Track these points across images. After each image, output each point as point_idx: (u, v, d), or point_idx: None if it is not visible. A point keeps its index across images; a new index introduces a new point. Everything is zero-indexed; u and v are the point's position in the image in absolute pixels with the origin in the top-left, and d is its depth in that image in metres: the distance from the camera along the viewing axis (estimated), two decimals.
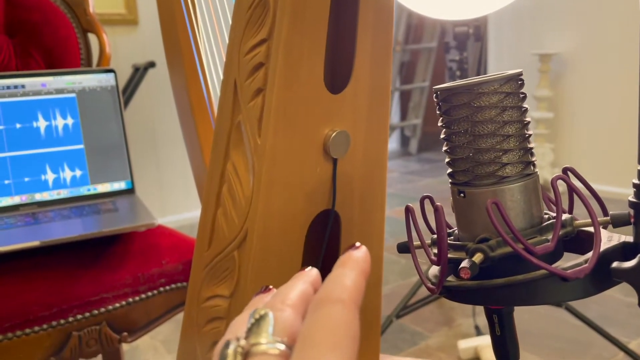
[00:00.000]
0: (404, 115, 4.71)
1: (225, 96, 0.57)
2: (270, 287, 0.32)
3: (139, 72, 2.38)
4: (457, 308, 1.85)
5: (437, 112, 0.44)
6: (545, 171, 3.05)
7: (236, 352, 0.24)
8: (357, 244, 0.30)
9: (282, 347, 0.24)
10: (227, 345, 0.24)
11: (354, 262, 0.28)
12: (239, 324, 0.28)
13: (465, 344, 1.58)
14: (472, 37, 1.58)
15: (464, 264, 0.39)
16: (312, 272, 0.31)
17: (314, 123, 0.55)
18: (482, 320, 1.73)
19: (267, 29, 0.52)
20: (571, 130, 3.16)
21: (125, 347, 1.64)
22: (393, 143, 4.69)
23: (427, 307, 1.81)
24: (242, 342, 0.24)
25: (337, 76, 0.58)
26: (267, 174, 0.55)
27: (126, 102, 2.46)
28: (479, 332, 1.67)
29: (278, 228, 0.57)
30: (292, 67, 0.52)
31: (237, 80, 0.55)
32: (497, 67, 3.47)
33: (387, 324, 1.63)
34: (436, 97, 0.44)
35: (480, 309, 1.68)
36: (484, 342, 1.56)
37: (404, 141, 4.74)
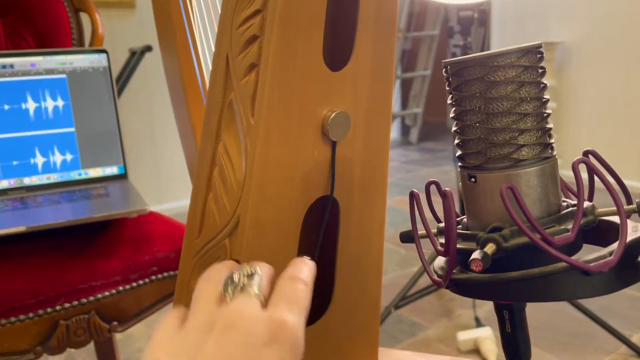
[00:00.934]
0: (404, 104, 4.66)
1: (216, 72, 0.53)
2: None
3: (136, 56, 2.33)
4: (456, 299, 1.82)
5: (447, 88, 0.40)
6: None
7: (240, 278, 0.34)
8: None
9: (262, 298, 0.33)
10: (231, 276, 0.34)
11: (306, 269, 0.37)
12: (220, 271, 0.37)
13: (465, 336, 1.55)
14: (476, 21, 1.53)
15: (476, 255, 0.35)
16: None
17: (311, 102, 0.52)
18: (482, 312, 1.70)
19: None
20: (575, 120, 3.11)
21: (119, 335, 1.61)
22: (394, 132, 4.65)
23: (426, 298, 1.78)
24: (243, 276, 0.34)
25: (337, 52, 0.54)
26: (261, 157, 0.51)
27: (123, 86, 2.42)
28: (478, 323, 1.64)
29: (272, 215, 0.53)
30: (288, 40, 0.48)
31: (230, 54, 0.51)
32: None
33: (385, 315, 1.60)
34: (446, 72, 0.40)
35: (480, 301, 1.65)
36: (484, 334, 1.53)
37: (405, 130, 4.70)
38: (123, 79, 2.40)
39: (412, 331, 1.66)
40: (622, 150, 2.87)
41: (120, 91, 2.41)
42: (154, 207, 1.00)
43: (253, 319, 0.30)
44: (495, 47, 3.45)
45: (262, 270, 0.35)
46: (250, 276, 0.33)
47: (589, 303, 1.58)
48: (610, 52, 2.92)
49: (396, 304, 1.61)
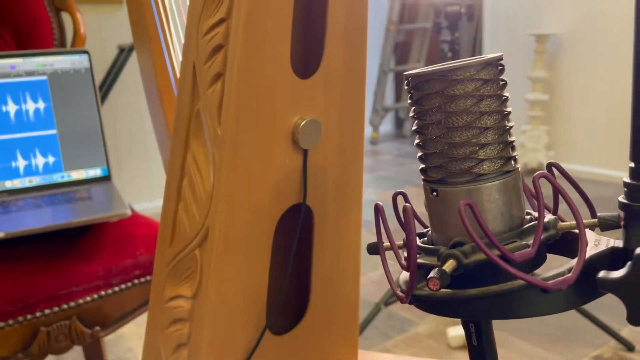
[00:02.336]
0: (398, 97, 4.64)
1: (184, 81, 0.52)
2: None
3: (124, 53, 2.31)
4: None
5: (409, 101, 0.39)
6: (541, 154, 3.00)
7: None
8: None
9: None
10: None
11: None
12: None
13: (455, 332, 1.55)
14: (464, 16, 1.52)
15: (433, 273, 0.34)
16: None
17: (280, 111, 0.51)
18: None
19: (226, 6, 0.47)
20: (567, 112, 3.11)
21: (109, 335, 1.60)
22: (387, 125, 4.63)
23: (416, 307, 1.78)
24: None
25: (306, 59, 0.53)
26: (229, 167, 0.50)
27: (112, 83, 2.40)
28: None
29: (242, 225, 0.53)
30: (254, 48, 0.47)
31: (196, 63, 0.51)
32: (492, 48, 3.40)
33: (375, 311, 1.60)
34: (407, 85, 0.39)
35: None
36: None
37: (398, 123, 4.69)
38: (112, 75, 2.38)
39: (402, 327, 1.66)
40: (614, 142, 2.87)
41: (109, 88, 2.40)
42: (144, 205, 1.00)
43: None
44: (487, 41, 3.43)
45: None
46: None
47: None
48: (602, 43, 2.91)
49: (386, 301, 1.60)
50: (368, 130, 4.25)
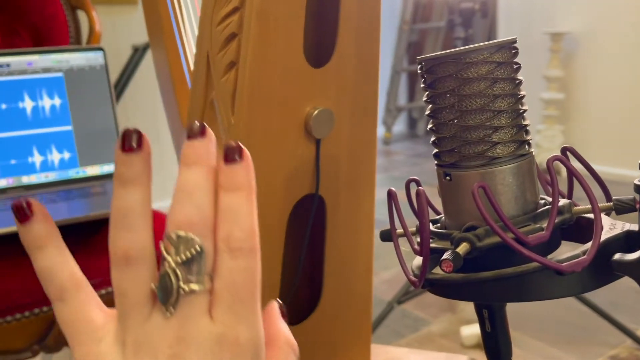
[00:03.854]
0: (411, 97, 4.63)
1: (198, 71, 0.52)
2: (205, 127, 0.27)
3: (138, 53, 2.33)
4: None
5: (422, 85, 0.39)
6: (555, 154, 2.97)
7: (180, 273, 0.25)
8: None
9: (209, 285, 0.25)
10: (166, 276, 0.25)
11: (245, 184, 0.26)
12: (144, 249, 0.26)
13: (469, 331, 1.54)
14: (478, 13, 1.51)
15: (446, 255, 0.34)
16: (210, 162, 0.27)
17: (293, 100, 0.51)
18: None
19: None
20: (582, 112, 3.08)
21: None
22: (400, 125, 4.62)
23: (429, 292, 1.77)
24: (180, 280, 0.25)
25: (319, 48, 0.53)
26: None
27: (126, 83, 2.42)
28: None
29: None
30: (267, 37, 0.47)
31: (210, 53, 0.51)
32: None
33: (388, 310, 1.60)
34: (420, 69, 0.39)
35: None
36: None
37: (412, 123, 4.67)
38: (126, 75, 2.40)
39: (415, 326, 1.65)
40: (630, 141, 2.84)
41: (123, 87, 2.42)
42: (157, 203, 1.00)
43: (204, 344, 0.25)
44: (502, 38, 3.41)
45: (202, 224, 0.25)
46: (191, 262, 0.25)
47: (594, 296, 1.57)
48: (618, 41, 2.88)
49: (399, 299, 1.60)
50: (381, 130, 4.24)
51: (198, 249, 0.25)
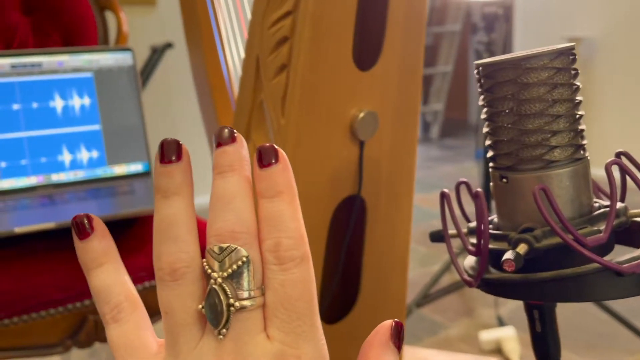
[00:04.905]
0: (425, 100, 4.63)
1: (247, 73, 0.53)
2: (235, 132, 0.25)
3: (157, 54, 2.35)
4: (478, 298, 1.81)
5: (479, 89, 0.40)
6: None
7: (228, 288, 0.23)
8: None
9: (261, 299, 0.23)
10: (214, 294, 0.23)
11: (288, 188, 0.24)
12: (188, 268, 0.24)
13: (487, 335, 1.54)
14: (501, 18, 1.52)
15: (508, 255, 0.35)
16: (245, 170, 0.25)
17: (340, 102, 0.52)
18: (504, 311, 1.69)
19: (293, 0, 0.49)
20: (600, 119, 3.07)
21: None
22: None
23: (447, 296, 1.77)
24: (230, 297, 0.23)
25: (366, 51, 0.54)
26: (291, 157, 0.51)
27: (144, 84, 2.44)
28: (501, 323, 1.64)
29: None
30: (319, 41, 0.48)
31: (260, 56, 0.52)
32: (524, 50, 3.37)
33: (406, 313, 1.60)
34: (478, 73, 0.40)
35: (502, 300, 1.64)
36: (507, 334, 1.52)
37: (425, 127, 4.68)
38: (144, 76, 2.42)
39: (433, 330, 1.65)
40: None
41: (142, 87, 2.44)
42: None
43: None
44: (519, 44, 3.41)
45: (245, 237, 0.23)
46: (239, 275, 0.23)
47: (614, 303, 1.56)
48: (636, 46, 2.88)
49: (417, 302, 1.60)
50: None
51: (245, 259, 0.23)
